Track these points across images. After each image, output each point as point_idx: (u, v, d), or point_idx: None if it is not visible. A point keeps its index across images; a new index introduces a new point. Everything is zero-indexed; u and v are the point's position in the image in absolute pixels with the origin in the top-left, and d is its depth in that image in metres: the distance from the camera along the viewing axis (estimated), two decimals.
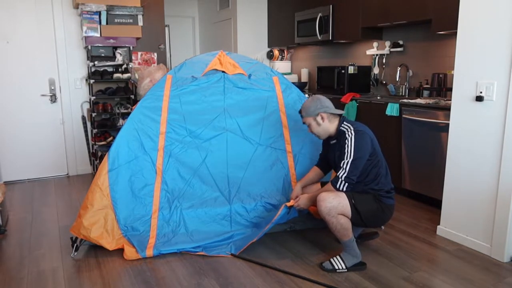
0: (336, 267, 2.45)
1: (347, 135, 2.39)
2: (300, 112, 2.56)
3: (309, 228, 3.06)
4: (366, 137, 2.37)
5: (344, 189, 2.38)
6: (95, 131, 4.55)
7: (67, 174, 4.82)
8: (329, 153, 2.62)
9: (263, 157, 3.01)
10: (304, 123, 2.57)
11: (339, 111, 2.50)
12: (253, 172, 2.95)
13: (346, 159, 2.35)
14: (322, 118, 2.47)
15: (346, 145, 2.36)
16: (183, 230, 2.77)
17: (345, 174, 2.36)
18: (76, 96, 4.73)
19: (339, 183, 2.37)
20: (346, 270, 2.45)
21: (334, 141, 2.52)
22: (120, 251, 2.68)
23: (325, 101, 2.49)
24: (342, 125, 2.47)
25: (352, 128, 2.42)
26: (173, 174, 2.86)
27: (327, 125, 2.49)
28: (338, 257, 2.49)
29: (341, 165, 2.38)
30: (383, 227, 3.10)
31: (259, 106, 3.07)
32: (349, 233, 2.42)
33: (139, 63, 4.76)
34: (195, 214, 2.80)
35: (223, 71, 3.08)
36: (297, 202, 2.56)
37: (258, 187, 2.92)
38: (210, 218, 2.81)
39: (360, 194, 2.43)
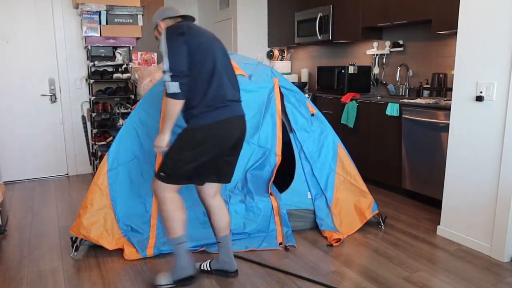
0: (159, 283, 2.24)
1: None
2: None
3: (309, 228, 3.06)
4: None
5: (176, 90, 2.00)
6: (95, 131, 4.55)
7: (67, 174, 4.81)
8: None
9: (260, 158, 3.00)
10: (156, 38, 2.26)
11: (177, 13, 2.18)
12: (250, 173, 2.95)
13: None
14: (161, 27, 2.18)
15: None
16: None
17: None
18: (76, 96, 4.73)
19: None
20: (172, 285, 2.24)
21: None
22: (120, 251, 2.68)
23: (167, 10, 2.19)
24: None
25: None
26: None
27: None
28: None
29: None
30: (383, 227, 3.11)
31: (258, 108, 3.06)
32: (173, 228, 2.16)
33: (139, 63, 4.76)
34: (193, 214, 2.80)
35: None
36: None
37: (253, 187, 2.92)
38: (206, 218, 2.82)
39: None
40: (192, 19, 2.25)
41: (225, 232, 2.32)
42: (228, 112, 2.09)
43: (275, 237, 2.83)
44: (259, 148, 3.00)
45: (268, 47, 6.25)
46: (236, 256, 2.63)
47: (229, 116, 2.09)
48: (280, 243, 2.76)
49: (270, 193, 2.92)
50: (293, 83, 4.08)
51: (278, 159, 2.99)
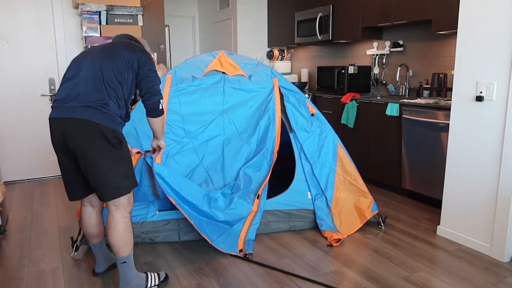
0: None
1: None
2: None
3: (309, 228, 3.06)
4: None
5: None
6: None
7: None
8: None
9: (256, 155, 2.99)
10: None
11: None
12: (243, 171, 2.95)
13: None
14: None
15: None
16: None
17: None
18: None
19: None
20: None
21: None
22: None
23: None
24: None
25: None
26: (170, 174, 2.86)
27: None
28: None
29: None
30: (383, 227, 3.11)
31: (258, 108, 3.06)
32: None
33: None
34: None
35: (223, 72, 3.08)
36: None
37: (243, 185, 2.91)
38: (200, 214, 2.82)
39: None
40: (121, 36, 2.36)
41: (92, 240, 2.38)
42: (51, 113, 2.06)
43: (236, 241, 2.73)
44: (257, 147, 3.00)
45: (268, 47, 6.25)
46: (236, 256, 2.63)
47: (50, 117, 2.06)
48: (241, 250, 2.66)
49: (258, 195, 2.86)
50: (293, 83, 4.08)
51: (274, 157, 2.99)
